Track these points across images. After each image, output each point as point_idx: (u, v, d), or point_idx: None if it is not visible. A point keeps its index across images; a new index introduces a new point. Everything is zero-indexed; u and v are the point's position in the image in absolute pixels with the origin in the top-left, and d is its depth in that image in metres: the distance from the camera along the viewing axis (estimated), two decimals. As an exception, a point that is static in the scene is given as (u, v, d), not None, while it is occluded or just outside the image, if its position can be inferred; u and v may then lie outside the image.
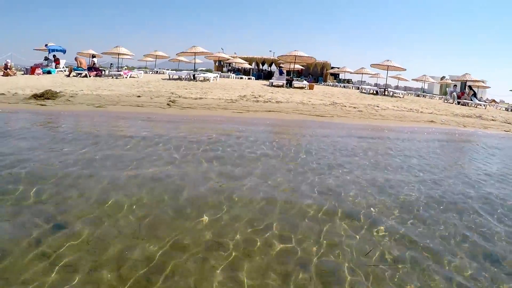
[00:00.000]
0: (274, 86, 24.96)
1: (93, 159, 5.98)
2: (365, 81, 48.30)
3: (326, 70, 47.39)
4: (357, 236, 3.88)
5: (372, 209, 4.65)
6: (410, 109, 19.25)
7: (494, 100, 35.29)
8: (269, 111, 14.64)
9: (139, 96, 15.40)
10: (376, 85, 39.56)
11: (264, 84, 26.15)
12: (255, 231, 3.82)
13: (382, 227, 4.12)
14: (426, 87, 42.79)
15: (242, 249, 3.43)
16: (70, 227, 3.62)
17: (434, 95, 36.99)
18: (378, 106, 18.58)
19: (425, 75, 38.76)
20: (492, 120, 18.97)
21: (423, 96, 35.16)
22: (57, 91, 14.75)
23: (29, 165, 5.40)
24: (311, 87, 25.47)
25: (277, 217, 4.18)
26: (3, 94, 14.29)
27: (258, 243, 3.57)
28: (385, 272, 3.22)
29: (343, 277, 3.12)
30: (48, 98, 13.62)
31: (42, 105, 12.63)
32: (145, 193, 4.62)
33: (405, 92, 35.64)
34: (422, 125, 15.09)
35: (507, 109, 27.81)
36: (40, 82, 17.89)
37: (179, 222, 3.92)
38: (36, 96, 13.69)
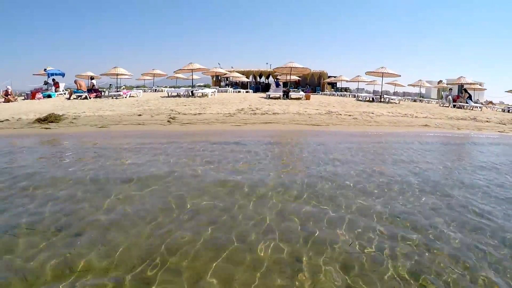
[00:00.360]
0: (271, 98, 25.34)
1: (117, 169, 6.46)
2: (363, 89, 48.32)
3: (323, 80, 47.76)
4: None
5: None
6: (405, 114, 19.61)
7: (491, 102, 35.52)
8: (266, 122, 15.03)
9: (140, 115, 15.80)
10: (374, 92, 39.97)
11: (262, 97, 26.52)
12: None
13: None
14: (424, 91, 42.98)
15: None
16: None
17: (431, 100, 37.16)
18: (373, 113, 18.95)
19: (420, 80, 38.93)
20: (487, 121, 19.29)
21: (420, 101, 35.36)
22: (60, 114, 15.14)
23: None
24: (307, 98, 25.86)
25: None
26: (7, 120, 14.67)
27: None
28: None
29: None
30: (52, 122, 14.01)
31: (47, 128, 13.03)
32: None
33: (402, 97, 35.97)
34: (415, 129, 15.48)
35: (503, 110, 27.95)
36: (42, 106, 18.28)
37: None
38: (40, 120, 14.07)
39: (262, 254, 3.68)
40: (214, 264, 3.43)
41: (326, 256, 3.65)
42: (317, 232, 4.18)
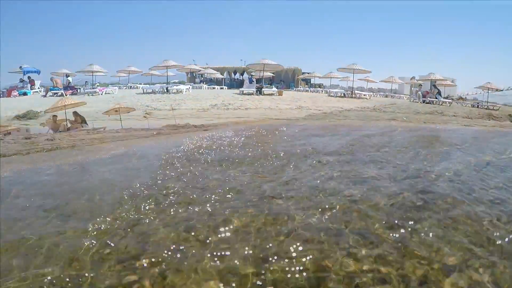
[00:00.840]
0: (245, 94, 25.97)
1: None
2: (338, 85, 48.81)
3: (297, 76, 48.28)
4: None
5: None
6: (374, 109, 20.41)
7: (461, 98, 36.62)
8: (239, 117, 15.69)
9: (116, 111, 16.24)
10: (348, 88, 40.81)
11: (235, 93, 27.12)
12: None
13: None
14: (397, 87, 43.81)
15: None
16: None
17: (404, 95, 38.03)
18: (342, 108, 19.73)
19: (392, 76, 39.77)
20: (454, 116, 20.17)
21: (392, 96, 36.19)
22: (38, 111, 15.49)
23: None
24: (280, 93, 26.61)
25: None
26: (-14, 117, 14.92)
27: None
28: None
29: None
30: (30, 118, 14.38)
31: (27, 125, 13.40)
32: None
33: (373, 93, 36.79)
34: (380, 123, 16.21)
35: (473, 106, 28.74)
36: (19, 104, 18.53)
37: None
38: (19, 117, 14.42)
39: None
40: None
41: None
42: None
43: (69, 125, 13.86)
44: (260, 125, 13.98)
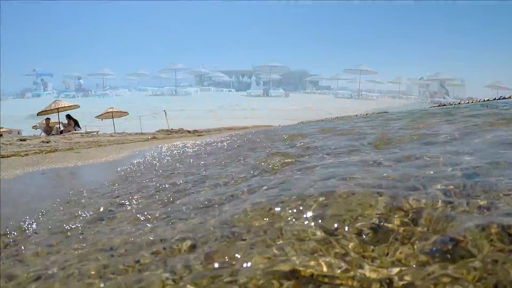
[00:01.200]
0: (252, 96, 26.30)
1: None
2: (346, 87, 48.51)
3: (305, 78, 48.13)
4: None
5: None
6: (379, 110, 20.69)
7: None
8: (245, 118, 16.05)
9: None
10: (357, 90, 40.80)
11: (243, 95, 27.48)
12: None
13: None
14: (405, 89, 43.46)
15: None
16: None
17: (412, 96, 37.69)
18: (347, 109, 20.02)
19: (399, 77, 39.57)
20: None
21: (399, 98, 36.01)
22: (51, 111, 15.92)
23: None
24: (286, 95, 26.87)
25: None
26: (2, 116, 15.40)
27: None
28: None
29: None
30: (43, 118, 14.76)
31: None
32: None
33: (380, 94, 36.76)
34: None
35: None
36: (33, 105, 18.99)
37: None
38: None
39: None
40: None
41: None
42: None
43: (62, 128, 13.87)
44: (255, 131, 14.29)
